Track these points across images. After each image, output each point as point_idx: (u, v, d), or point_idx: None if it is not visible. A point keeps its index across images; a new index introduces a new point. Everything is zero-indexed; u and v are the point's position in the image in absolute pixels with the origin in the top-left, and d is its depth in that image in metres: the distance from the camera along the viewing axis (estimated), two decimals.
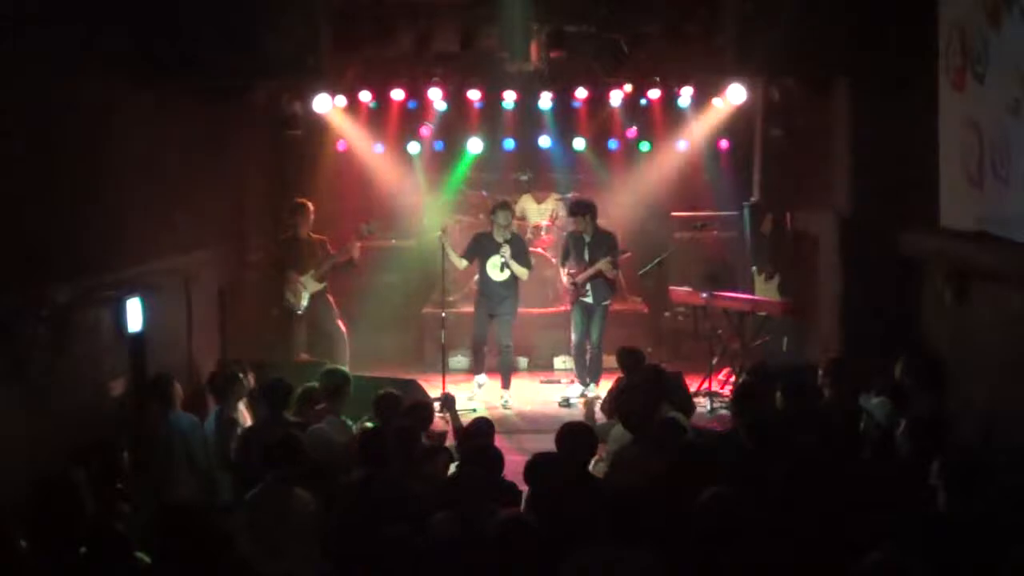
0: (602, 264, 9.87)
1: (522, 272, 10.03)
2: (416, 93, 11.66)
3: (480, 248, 10.06)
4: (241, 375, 7.39)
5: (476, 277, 10.55)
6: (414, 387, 8.74)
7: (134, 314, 7.36)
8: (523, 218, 12.16)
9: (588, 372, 10.26)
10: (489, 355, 10.33)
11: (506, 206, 10.12)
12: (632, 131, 12.30)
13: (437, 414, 8.26)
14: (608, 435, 6.77)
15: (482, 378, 10.28)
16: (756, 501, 4.92)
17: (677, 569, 4.55)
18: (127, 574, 4.51)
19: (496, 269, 9.97)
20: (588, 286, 10.04)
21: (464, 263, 10.09)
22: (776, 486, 5.34)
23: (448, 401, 7.75)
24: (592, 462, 5.98)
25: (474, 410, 9.54)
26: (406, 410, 6.66)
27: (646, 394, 6.93)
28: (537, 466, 5.56)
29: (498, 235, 9.98)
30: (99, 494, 5.26)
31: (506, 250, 9.89)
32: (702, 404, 9.41)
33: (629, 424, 6.42)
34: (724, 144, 12.32)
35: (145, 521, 4.83)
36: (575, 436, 5.73)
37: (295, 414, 7.00)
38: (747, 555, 4.52)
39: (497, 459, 5.75)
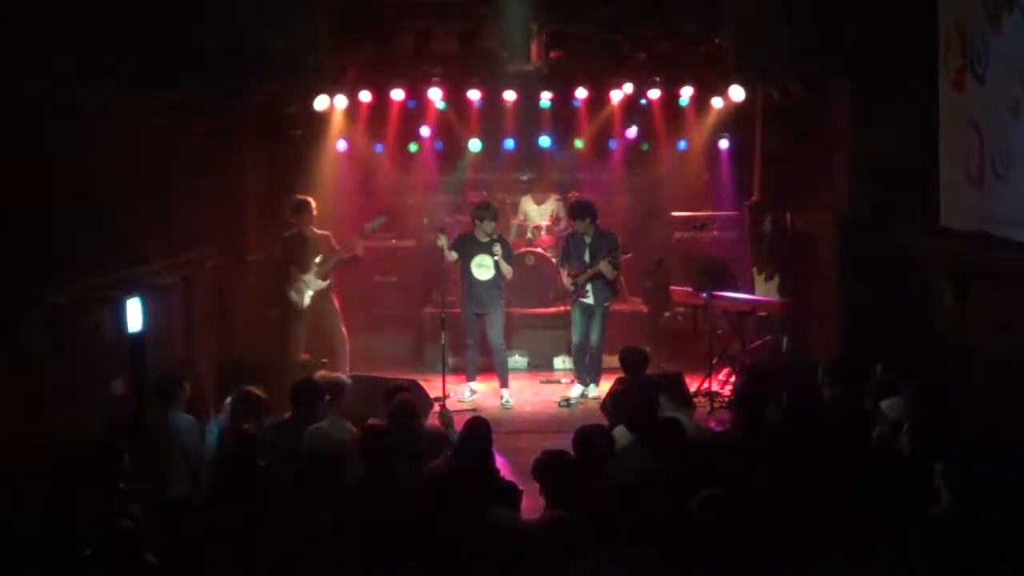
0: (602, 265, 9.86)
1: (508, 271, 10.02)
2: (416, 93, 11.64)
3: (465, 248, 9.99)
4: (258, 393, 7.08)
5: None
6: (414, 387, 8.73)
7: (134, 314, 7.34)
8: (523, 218, 12.16)
9: (588, 372, 10.25)
10: (483, 355, 10.29)
11: (492, 212, 9.96)
12: (632, 131, 12.32)
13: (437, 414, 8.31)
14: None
15: (476, 385, 10.23)
16: (755, 501, 4.91)
17: (677, 569, 4.55)
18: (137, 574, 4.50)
19: (482, 269, 9.91)
20: (589, 287, 10.03)
21: (454, 255, 10.01)
22: (775, 486, 5.33)
23: (444, 415, 7.83)
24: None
25: (473, 410, 9.52)
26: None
27: (646, 394, 6.92)
28: (547, 464, 5.54)
29: (481, 236, 9.94)
30: (106, 495, 5.25)
31: (498, 249, 9.87)
32: (702, 404, 9.40)
33: (632, 424, 6.41)
34: (724, 144, 12.32)
35: (148, 521, 4.82)
36: (590, 440, 5.72)
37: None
38: (746, 555, 4.51)
39: (486, 455, 5.74)
